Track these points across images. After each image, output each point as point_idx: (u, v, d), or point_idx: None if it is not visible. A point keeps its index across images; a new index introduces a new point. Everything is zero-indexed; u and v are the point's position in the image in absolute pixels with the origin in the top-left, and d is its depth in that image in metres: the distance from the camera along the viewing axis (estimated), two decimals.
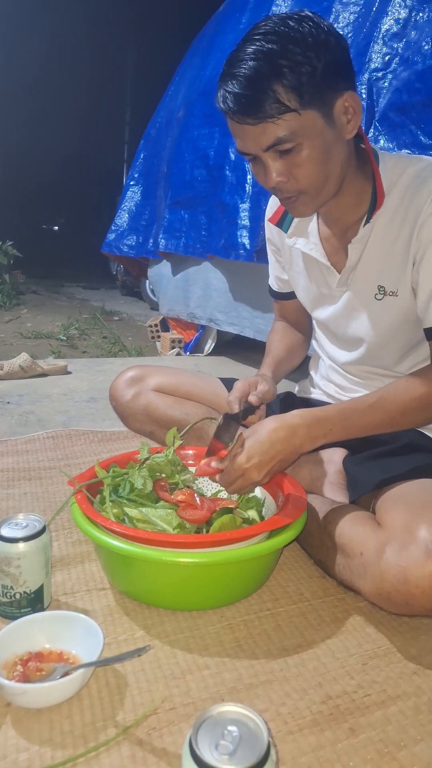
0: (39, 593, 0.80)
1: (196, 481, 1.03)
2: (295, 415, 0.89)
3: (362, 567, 0.79)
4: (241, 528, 0.86)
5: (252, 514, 0.94)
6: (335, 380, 1.16)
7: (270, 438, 0.87)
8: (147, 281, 4.11)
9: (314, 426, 0.88)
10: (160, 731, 0.62)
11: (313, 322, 1.19)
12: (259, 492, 1.02)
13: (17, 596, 0.78)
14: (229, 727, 0.47)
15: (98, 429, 1.65)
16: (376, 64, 1.73)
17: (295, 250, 1.10)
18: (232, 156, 2.42)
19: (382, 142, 1.66)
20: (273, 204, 1.13)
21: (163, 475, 0.97)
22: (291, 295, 1.22)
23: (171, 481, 0.97)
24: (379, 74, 1.72)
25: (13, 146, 9.89)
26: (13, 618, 0.77)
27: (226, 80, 0.82)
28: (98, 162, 10.91)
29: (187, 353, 3.11)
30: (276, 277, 1.25)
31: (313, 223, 1.05)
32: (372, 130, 1.72)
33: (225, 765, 0.44)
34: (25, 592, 0.78)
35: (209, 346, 3.09)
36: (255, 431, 0.90)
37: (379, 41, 1.73)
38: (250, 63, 0.78)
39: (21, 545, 0.77)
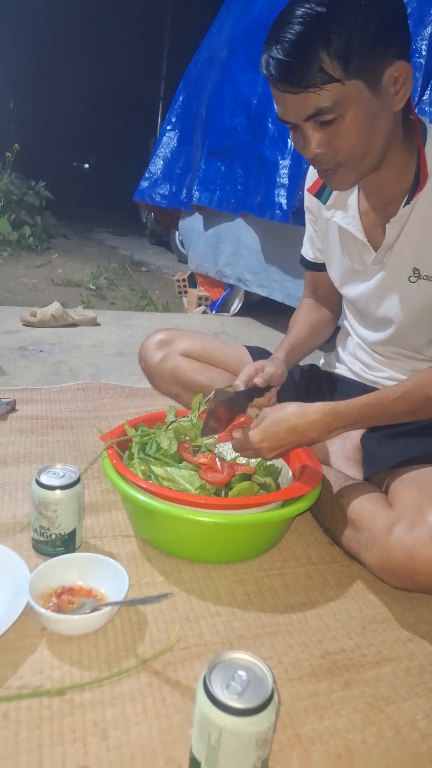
0: (72, 535, 0.88)
1: (218, 446, 1.09)
2: (318, 410, 0.90)
3: (370, 541, 0.84)
4: (258, 495, 0.91)
5: (269, 480, 1.00)
6: (362, 358, 1.19)
7: (288, 427, 0.90)
8: (177, 233, 4.07)
9: (334, 422, 0.90)
10: (175, 666, 0.70)
11: (344, 301, 1.21)
12: (276, 460, 1.07)
13: (53, 536, 0.86)
14: (239, 672, 0.54)
15: (126, 384, 1.72)
16: None
17: (332, 223, 1.09)
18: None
19: None
20: (312, 173, 1.11)
21: (187, 438, 1.03)
22: (324, 267, 1.22)
23: (194, 443, 1.03)
24: None
25: (43, 79, 9.57)
26: (49, 555, 0.85)
27: (270, 44, 0.79)
28: (133, 98, 10.49)
29: (213, 312, 3.13)
30: (311, 246, 1.25)
31: (353, 197, 1.03)
32: (428, 92, 1.64)
33: (234, 703, 0.51)
34: (59, 534, 0.86)
35: (236, 306, 3.10)
36: (276, 413, 0.92)
37: None
38: (297, 27, 0.76)
39: (58, 492, 0.84)
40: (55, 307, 2.34)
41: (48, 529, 0.86)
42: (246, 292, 3.01)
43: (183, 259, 4.25)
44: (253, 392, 1.04)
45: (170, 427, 1.04)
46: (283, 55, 0.77)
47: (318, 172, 0.91)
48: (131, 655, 0.71)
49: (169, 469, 0.94)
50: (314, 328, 1.27)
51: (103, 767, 0.57)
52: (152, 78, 9.74)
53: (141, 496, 0.85)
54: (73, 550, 0.89)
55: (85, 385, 1.66)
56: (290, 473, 1.01)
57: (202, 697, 0.52)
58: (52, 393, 1.58)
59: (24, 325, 2.32)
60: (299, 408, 0.91)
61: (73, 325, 2.40)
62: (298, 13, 0.76)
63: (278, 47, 0.78)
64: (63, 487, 0.84)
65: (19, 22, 8.45)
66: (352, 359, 1.21)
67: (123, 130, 10.52)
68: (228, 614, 0.80)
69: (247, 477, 0.96)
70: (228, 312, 3.11)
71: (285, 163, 2.25)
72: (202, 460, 0.98)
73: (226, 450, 1.12)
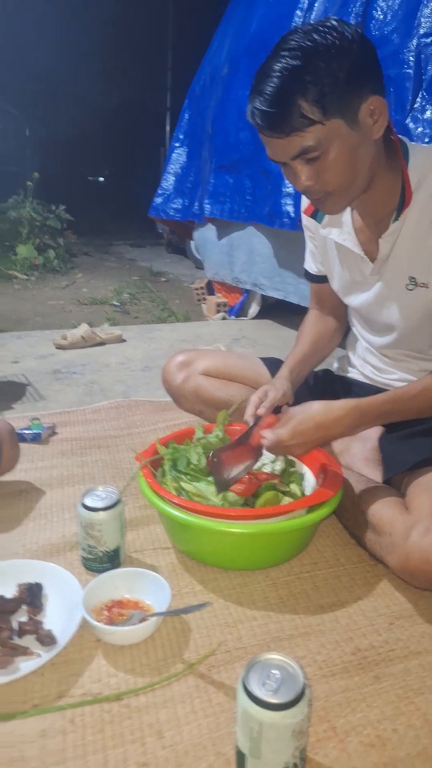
0: (116, 551, 0.96)
1: None
2: (342, 407, 0.96)
3: (390, 545, 0.90)
4: (283, 504, 0.98)
5: (293, 487, 1.06)
6: (371, 361, 1.23)
7: (314, 424, 0.96)
8: (192, 242, 4.16)
9: (358, 418, 0.96)
10: (218, 668, 0.77)
11: (349, 308, 1.26)
12: (301, 467, 1.13)
13: (99, 554, 0.94)
14: (273, 671, 0.60)
15: (154, 399, 1.80)
16: (425, 29, 1.68)
17: (329, 240, 1.15)
18: None
19: (428, 113, 1.64)
20: None
21: None
22: (325, 279, 1.27)
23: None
24: (428, 40, 1.68)
25: (54, 99, 9.82)
26: (97, 571, 0.94)
27: (254, 96, 0.87)
28: (141, 110, 10.70)
29: (232, 317, 3.20)
30: (312, 260, 1.30)
31: (346, 214, 1.09)
32: (419, 100, 1.69)
33: (270, 699, 0.57)
34: (105, 551, 0.94)
35: (254, 309, 3.16)
36: (302, 412, 0.98)
37: (429, 5, 1.67)
38: (275, 81, 0.83)
39: (102, 514, 0.92)
40: (83, 329, 2.45)
41: (95, 547, 0.94)
42: (263, 294, 3.07)
43: (200, 266, 4.33)
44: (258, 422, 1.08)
45: (199, 443, 1.11)
46: (265, 106, 0.85)
47: (311, 201, 0.98)
48: (178, 661, 0.78)
49: (197, 484, 1.01)
50: (319, 340, 1.32)
51: (160, 764, 0.64)
52: (158, 90, 9.89)
53: (176, 512, 0.92)
54: (118, 564, 0.97)
55: (117, 404, 1.75)
56: (313, 479, 1.07)
57: (242, 696, 0.59)
58: (87, 413, 1.68)
59: (56, 348, 2.43)
60: (324, 406, 0.97)
61: (101, 343, 2.50)
62: (276, 67, 0.84)
63: (260, 99, 0.86)
64: (106, 509, 0.93)
65: (28, 51, 8.70)
66: (363, 363, 1.26)
67: (133, 141, 10.73)
68: (263, 618, 0.87)
69: (271, 486, 1.02)
70: (246, 316, 3.17)
71: None
72: None
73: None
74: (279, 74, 0.83)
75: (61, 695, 0.72)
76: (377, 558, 0.97)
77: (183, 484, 1.01)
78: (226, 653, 0.80)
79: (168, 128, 8.87)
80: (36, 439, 1.46)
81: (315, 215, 1.16)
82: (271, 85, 0.84)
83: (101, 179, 12.44)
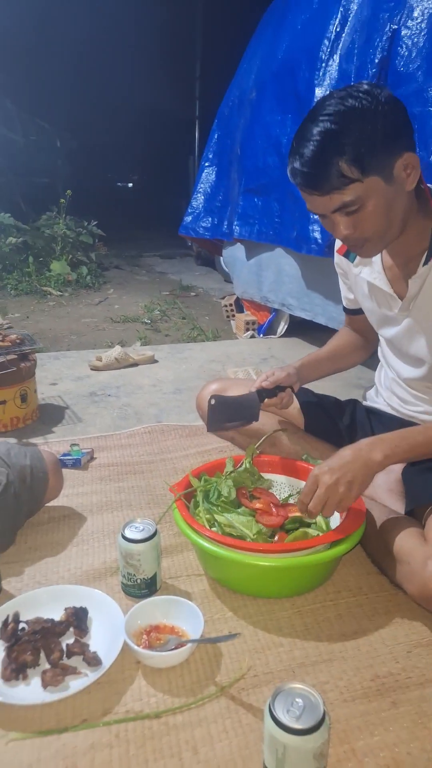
0: (153, 579, 1.04)
1: (272, 488, 1.24)
2: (369, 439, 1.04)
3: (410, 573, 0.96)
4: (309, 539, 1.04)
5: (318, 519, 1.14)
6: (398, 393, 1.30)
7: (351, 452, 1.02)
8: (221, 258, 4.25)
9: (386, 443, 1.02)
10: (247, 691, 0.85)
11: (380, 337, 1.32)
12: None
13: (138, 581, 1.03)
14: (297, 699, 0.68)
15: (186, 424, 1.89)
16: None
17: (360, 278, 1.22)
18: None
19: None
20: None
21: (245, 485, 1.18)
22: (359, 311, 1.35)
23: (249, 490, 1.18)
24: None
25: (85, 105, 10.06)
26: (135, 596, 1.03)
27: (294, 157, 0.95)
28: (169, 118, 10.89)
29: (261, 335, 3.27)
30: (344, 296, 1.39)
31: (377, 255, 1.17)
32: None
33: (293, 724, 0.65)
34: (143, 578, 1.03)
35: (282, 327, 3.22)
36: (333, 456, 1.04)
37: None
38: (314, 144, 0.91)
39: (140, 545, 1.01)
40: (117, 351, 2.56)
41: (134, 575, 1.03)
42: None
43: (228, 279, 4.42)
44: (262, 394, 1.26)
45: (229, 476, 1.20)
46: (306, 168, 0.93)
47: (348, 246, 1.06)
48: (211, 683, 0.86)
49: (229, 516, 1.09)
50: (339, 349, 1.45)
51: None
52: (186, 99, 10.06)
53: (209, 545, 1.01)
54: (155, 590, 1.06)
55: (151, 428, 1.85)
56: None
57: (268, 721, 0.67)
58: (122, 438, 1.78)
59: (92, 369, 2.55)
60: (352, 444, 1.03)
61: (134, 364, 2.61)
62: (315, 131, 0.91)
63: (301, 161, 0.93)
64: (144, 540, 1.01)
65: (57, 60, 8.98)
66: (390, 394, 1.33)
67: (162, 148, 10.93)
68: (289, 644, 0.94)
69: (298, 519, 1.09)
70: (275, 334, 3.24)
71: None
72: (258, 506, 1.13)
73: (279, 489, 1.26)
74: (318, 138, 0.90)
75: (107, 712, 0.81)
76: (397, 585, 1.03)
77: (215, 516, 1.09)
78: (255, 677, 0.87)
79: (197, 136, 9.04)
80: (76, 464, 1.56)
81: (347, 254, 1.24)
82: (311, 148, 0.91)
83: (130, 185, 12.71)
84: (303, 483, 1.24)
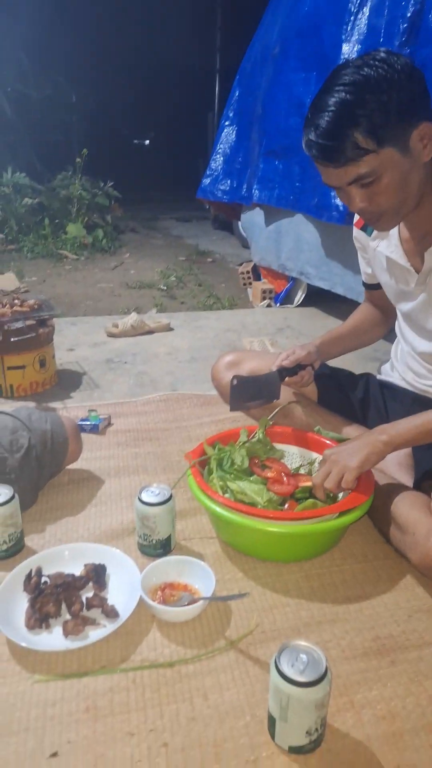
0: (168, 540, 1.10)
1: (284, 458, 1.28)
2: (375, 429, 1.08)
3: (414, 544, 1.00)
4: (318, 508, 1.08)
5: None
6: (413, 367, 1.31)
7: (357, 436, 1.09)
8: (239, 223, 4.19)
9: (389, 432, 1.07)
10: (255, 646, 0.91)
11: (398, 311, 1.33)
12: None
13: (154, 541, 1.09)
14: (301, 655, 0.73)
15: (200, 393, 1.92)
16: None
17: (378, 251, 1.22)
18: None
19: None
20: None
21: (257, 455, 1.22)
22: (378, 286, 1.36)
23: (261, 458, 1.22)
24: None
25: (98, 61, 9.72)
26: (151, 556, 1.09)
27: (309, 129, 0.94)
28: (189, 71, 10.45)
29: (278, 304, 3.26)
30: (363, 271, 1.39)
31: (394, 228, 1.16)
32: None
33: (297, 677, 0.70)
34: (158, 539, 1.09)
35: (299, 297, 3.21)
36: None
37: None
38: (329, 115, 0.90)
39: (156, 508, 1.06)
40: (133, 318, 2.59)
41: (149, 536, 1.09)
42: None
43: (246, 245, 4.37)
44: (282, 372, 1.30)
45: (243, 445, 1.23)
46: (321, 139, 0.92)
47: (364, 220, 1.06)
48: (221, 638, 0.92)
49: (241, 483, 1.14)
50: (360, 325, 1.46)
51: (206, 719, 0.78)
52: (207, 50, 9.60)
53: (222, 510, 1.05)
54: (169, 551, 1.11)
55: (166, 396, 1.89)
56: None
57: (274, 673, 0.72)
58: (138, 405, 1.82)
59: (108, 336, 2.59)
60: (366, 433, 1.08)
61: (150, 332, 2.64)
62: (330, 101, 0.91)
63: (316, 132, 0.93)
64: (159, 504, 1.07)
65: (71, 13, 8.64)
66: (405, 368, 1.34)
67: (181, 104, 10.57)
68: (296, 605, 0.99)
69: (308, 489, 1.13)
70: (292, 303, 3.23)
71: None
72: (269, 475, 1.17)
73: (290, 459, 1.30)
74: (333, 109, 0.90)
75: (124, 659, 0.88)
76: (401, 553, 1.08)
77: (228, 483, 1.14)
78: (262, 634, 0.93)
79: (217, 90, 8.69)
80: (94, 430, 1.61)
81: (365, 228, 1.24)
82: (326, 119, 0.90)
83: (147, 142, 12.37)
84: (314, 454, 1.28)
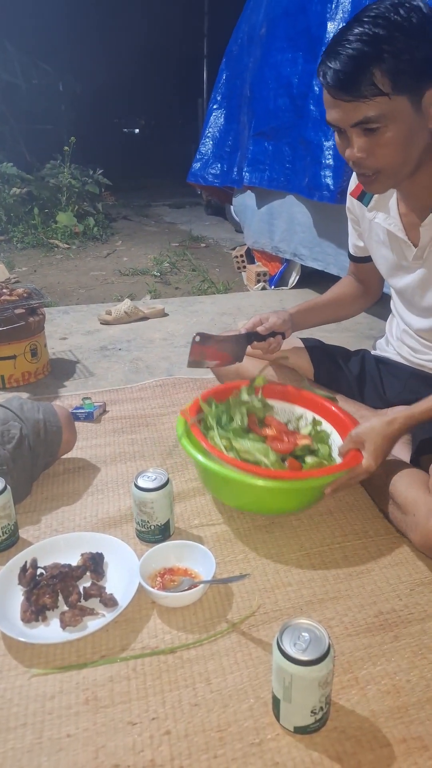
0: (166, 525, 1.08)
1: (276, 414, 1.28)
2: (397, 420, 1.05)
3: (414, 524, 0.99)
4: (325, 467, 1.10)
5: (323, 447, 1.18)
6: (408, 343, 1.29)
7: (383, 439, 1.05)
8: (232, 207, 4.14)
9: (413, 423, 1.05)
10: (257, 627, 0.89)
11: (391, 288, 1.30)
12: (327, 427, 1.24)
13: (152, 527, 1.07)
14: (303, 633, 0.72)
15: (196, 377, 1.90)
16: None
17: (374, 223, 1.19)
18: (316, 89, 2.36)
19: None
20: (355, 178, 1.21)
21: (254, 414, 1.22)
22: (366, 259, 1.33)
23: (261, 416, 1.23)
24: None
25: (87, 45, 9.57)
26: (149, 542, 1.07)
27: (329, 56, 0.89)
28: (176, 57, 10.32)
29: (272, 287, 3.23)
30: (353, 243, 1.36)
31: (392, 199, 1.13)
32: None
33: (300, 656, 0.69)
34: (157, 525, 1.07)
35: (293, 279, 3.17)
36: (369, 433, 1.05)
37: None
38: (355, 44, 0.86)
39: (153, 494, 1.04)
40: (127, 305, 2.55)
41: (148, 522, 1.07)
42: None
43: (239, 229, 4.32)
44: (251, 336, 1.28)
45: (243, 404, 1.21)
46: (339, 66, 0.88)
47: (357, 175, 1.02)
48: (223, 621, 0.91)
49: (244, 442, 1.10)
50: (340, 298, 1.43)
51: (209, 705, 0.77)
52: (194, 36, 9.47)
53: (224, 469, 1.04)
54: (168, 536, 1.10)
55: (162, 382, 1.87)
56: (341, 440, 1.16)
57: (276, 653, 0.71)
58: (134, 392, 1.80)
59: (101, 323, 2.56)
60: (384, 423, 1.05)
61: (144, 318, 2.61)
62: (357, 31, 0.87)
63: (336, 60, 0.88)
64: (156, 489, 1.05)
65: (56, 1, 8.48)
66: (400, 344, 1.32)
67: (170, 90, 10.44)
68: (298, 584, 0.98)
69: (307, 446, 1.15)
70: (287, 285, 3.19)
71: (329, 144, 2.29)
72: (269, 433, 1.16)
73: (281, 415, 1.29)
74: (359, 38, 0.86)
75: (124, 648, 0.86)
76: (401, 533, 1.06)
77: (233, 442, 1.11)
78: (264, 615, 0.92)
79: (205, 76, 8.58)
80: (88, 418, 1.59)
81: (362, 198, 1.20)
82: (350, 47, 0.86)
83: (137, 131, 12.20)
84: (299, 409, 1.30)
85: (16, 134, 6.18)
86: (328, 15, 2.32)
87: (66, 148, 5.33)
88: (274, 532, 1.12)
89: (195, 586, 0.93)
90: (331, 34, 2.30)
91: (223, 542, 1.09)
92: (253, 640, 0.87)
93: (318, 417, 1.26)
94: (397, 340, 1.33)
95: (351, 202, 1.26)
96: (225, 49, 3.44)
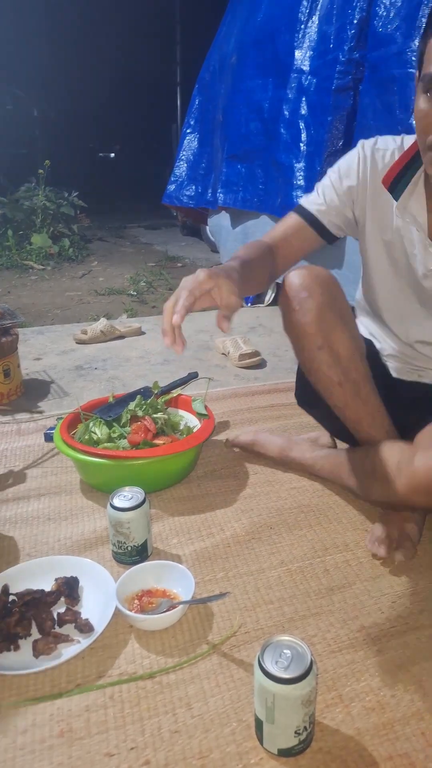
0: (144, 545, 1.06)
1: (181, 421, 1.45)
2: None
3: (397, 471, 0.96)
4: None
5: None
6: (412, 359, 1.21)
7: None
8: (207, 227, 4.19)
9: None
10: (238, 648, 0.87)
11: (383, 304, 1.19)
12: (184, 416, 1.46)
13: (129, 548, 1.04)
14: (285, 650, 0.70)
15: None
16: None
17: (396, 219, 1.08)
18: (286, 113, 2.42)
19: None
20: (388, 162, 1.08)
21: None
22: (318, 227, 1.15)
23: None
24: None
25: (59, 76, 9.70)
26: (127, 563, 1.04)
27: None
28: (150, 84, 10.53)
29: (248, 305, 3.24)
30: (329, 207, 1.14)
31: (422, 197, 1.04)
32: None
33: (281, 674, 0.67)
34: (134, 545, 1.04)
35: (269, 296, 3.20)
36: None
37: (429, 5, 1.67)
38: None
39: (129, 513, 1.02)
40: (102, 324, 2.53)
41: (124, 542, 1.04)
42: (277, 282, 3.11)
43: (215, 249, 4.36)
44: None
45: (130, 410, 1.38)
46: None
47: (422, 150, 0.94)
48: (203, 642, 0.88)
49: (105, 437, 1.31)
50: (264, 257, 1.11)
51: (190, 731, 0.74)
52: (167, 63, 9.70)
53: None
54: (146, 556, 1.07)
55: None
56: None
57: (257, 672, 0.69)
58: None
59: (77, 343, 2.53)
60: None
61: (121, 337, 2.59)
62: None
63: None
64: (133, 508, 1.02)
65: (30, 26, 8.59)
66: (402, 364, 1.24)
67: (143, 116, 10.61)
68: (279, 601, 0.96)
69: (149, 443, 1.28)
70: (263, 303, 3.22)
71: (300, 166, 2.36)
72: (133, 428, 1.32)
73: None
74: None
75: (101, 675, 0.83)
76: (386, 503, 1.07)
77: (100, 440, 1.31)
78: (246, 634, 0.89)
79: (179, 103, 8.78)
80: None
81: (393, 188, 1.07)
82: None
83: (112, 155, 12.34)
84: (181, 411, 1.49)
85: None
86: (295, 44, 2.41)
87: (41, 171, 5.34)
88: (255, 548, 1.10)
89: (174, 608, 0.90)
90: (299, 62, 2.39)
91: (203, 561, 1.07)
92: (234, 661, 0.85)
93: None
94: (398, 361, 1.24)
95: (374, 188, 1.10)
96: (197, 76, 3.53)
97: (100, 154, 12.00)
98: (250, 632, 0.90)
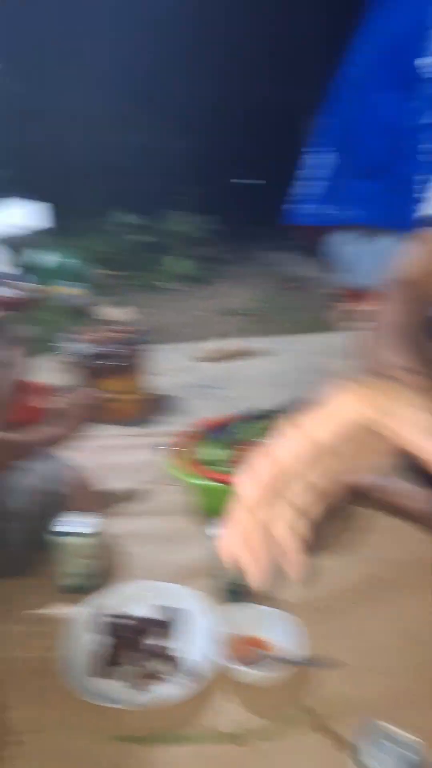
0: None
1: None
2: None
3: None
4: None
5: None
6: None
7: None
8: (326, 246, 4.11)
9: None
10: (336, 718, 0.78)
11: None
12: None
13: (234, 585, 0.98)
14: (388, 743, 0.60)
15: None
16: None
17: None
18: (415, 127, 2.31)
19: None
20: None
21: None
22: None
23: None
24: None
25: (205, 105, 10.18)
26: (231, 601, 0.98)
27: None
28: (278, 110, 10.67)
29: None
30: None
31: None
32: None
33: None
34: (240, 583, 0.97)
35: None
36: None
37: None
38: None
39: None
40: (225, 343, 2.58)
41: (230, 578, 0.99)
42: None
43: (333, 269, 4.26)
44: None
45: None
46: None
47: None
48: (297, 706, 0.80)
49: None
50: None
51: None
52: (299, 89, 9.74)
53: None
54: (251, 597, 1.00)
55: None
56: None
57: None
58: None
59: (200, 361, 2.60)
60: None
61: (240, 356, 2.61)
62: None
63: None
64: None
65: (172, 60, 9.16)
66: None
67: (273, 144, 10.75)
68: (387, 669, 0.86)
69: None
70: None
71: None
72: None
73: None
74: None
75: (188, 724, 0.78)
76: None
77: None
78: (345, 704, 0.80)
79: (307, 124, 8.73)
80: None
81: None
82: None
83: (261, 182, 12.73)
84: None
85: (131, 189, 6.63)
86: (426, 55, 2.29)
87: (182, 197, 5.66)
88: (376, 606, 1.00)
89: (278, 663, 0.83)
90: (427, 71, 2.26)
91: (312, 611, 0.98)
92: (329, 733, 0.76)
93: None
94: None
95: None
96: (322, 96, 3.52)
97: (240, 181, 12.40)
98: (350, 702, 0.80)
